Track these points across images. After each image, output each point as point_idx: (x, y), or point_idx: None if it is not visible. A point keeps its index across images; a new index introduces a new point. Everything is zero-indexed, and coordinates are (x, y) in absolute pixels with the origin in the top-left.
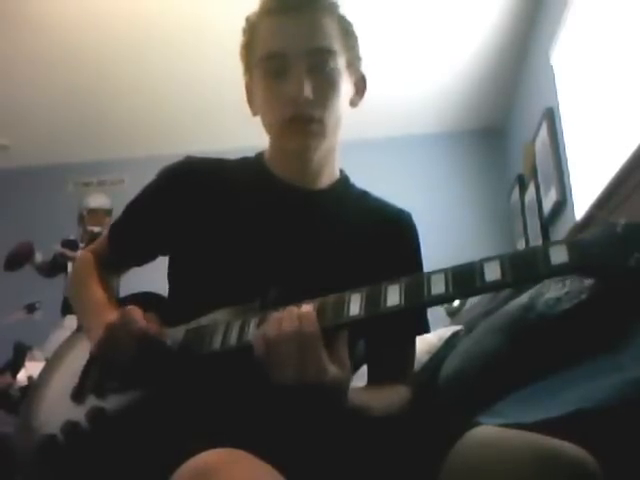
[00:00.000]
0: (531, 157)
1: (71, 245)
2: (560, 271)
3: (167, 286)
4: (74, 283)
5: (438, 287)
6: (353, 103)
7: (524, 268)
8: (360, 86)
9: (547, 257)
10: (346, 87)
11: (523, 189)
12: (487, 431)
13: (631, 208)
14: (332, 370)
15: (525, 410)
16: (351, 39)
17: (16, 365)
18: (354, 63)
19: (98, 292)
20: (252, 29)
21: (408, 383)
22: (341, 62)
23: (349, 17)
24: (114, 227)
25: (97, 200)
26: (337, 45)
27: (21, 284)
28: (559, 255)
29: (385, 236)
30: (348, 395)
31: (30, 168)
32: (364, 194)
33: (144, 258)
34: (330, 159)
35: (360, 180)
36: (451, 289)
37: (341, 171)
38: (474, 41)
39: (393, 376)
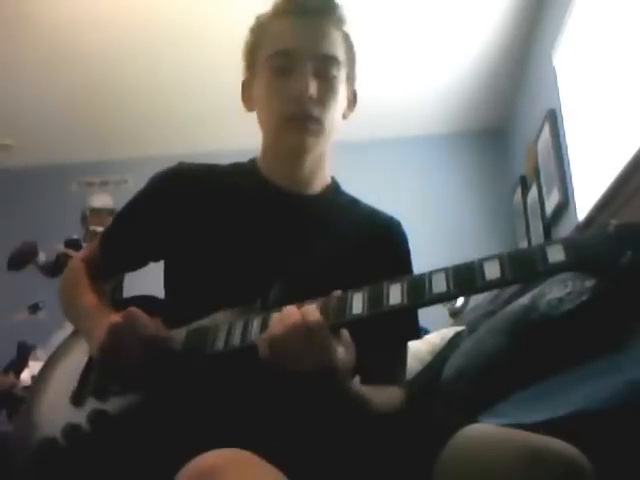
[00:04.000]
0: (533, 158)
1: (74, 245)
2: (557, 269)
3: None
4: (65, 289)
5: (439, 285)
6: (344, 116)
7: (523, 266)
8: (351, 100)
9: (545, 256)
10: (342, 98)
11: (525, 190)
12: (477, 429)
13: (633, 209)
14: (341, 352)
15: (527, 410)
16: (353, 55)
17: (20, 365)
18: (351, 77)
19: (92, 297)
20: (261, 28)
21: (400, 385)
22: (342, 73)
23: (351, 18)
24: (105, 234)
25: (100, 200)
26: (342, 56)
27: (24, 284)
28: (556, 254)
29: (375, 243)
30: (352, 381)
31: (33, 168)
32: (354, 201)
33: (135, 264)
34: (321, 164)
35: (362, 181)
36: (452, 287)
37: (332, 178)
38: (476, 42)
39: (385, 379)
